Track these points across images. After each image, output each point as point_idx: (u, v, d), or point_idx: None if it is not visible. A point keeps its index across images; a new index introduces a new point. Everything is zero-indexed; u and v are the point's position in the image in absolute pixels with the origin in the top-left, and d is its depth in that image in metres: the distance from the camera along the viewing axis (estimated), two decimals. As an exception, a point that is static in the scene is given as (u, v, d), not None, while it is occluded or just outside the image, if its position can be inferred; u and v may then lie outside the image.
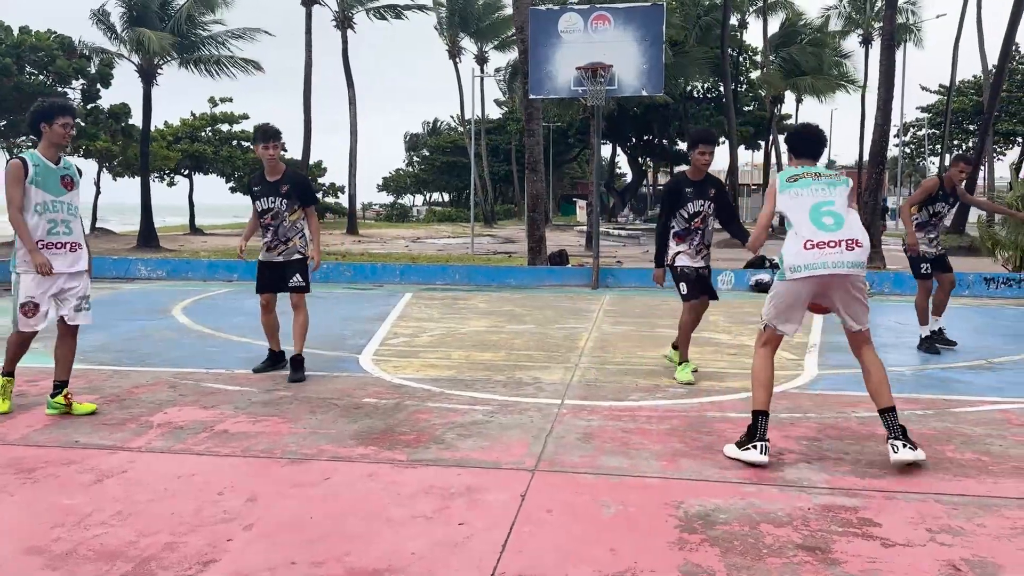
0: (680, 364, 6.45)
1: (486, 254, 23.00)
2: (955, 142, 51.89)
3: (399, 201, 69.96)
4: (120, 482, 4.02)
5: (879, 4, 36.48)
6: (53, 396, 5.23)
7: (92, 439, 4.70)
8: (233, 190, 42.35)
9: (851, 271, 4.27)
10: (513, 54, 39.69)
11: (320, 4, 32.76)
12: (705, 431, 4.92)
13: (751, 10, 43.93)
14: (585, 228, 29.70)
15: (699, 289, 6.45)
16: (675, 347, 6.73)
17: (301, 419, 5.14)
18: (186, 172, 38.77)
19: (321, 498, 3.80)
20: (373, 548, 3.25)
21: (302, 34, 31.25)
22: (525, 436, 4.80)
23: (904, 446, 4.15)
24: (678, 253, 6.42)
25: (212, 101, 40.11)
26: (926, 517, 3.58)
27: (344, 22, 34.36)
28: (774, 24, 43.32)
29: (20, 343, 5.25)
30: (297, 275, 6.46)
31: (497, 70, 51.13)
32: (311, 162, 37.65)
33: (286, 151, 6.70)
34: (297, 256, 6.48)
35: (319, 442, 4.66)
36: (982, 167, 32.82)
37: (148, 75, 25.28)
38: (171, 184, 40.30)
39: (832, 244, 4.25)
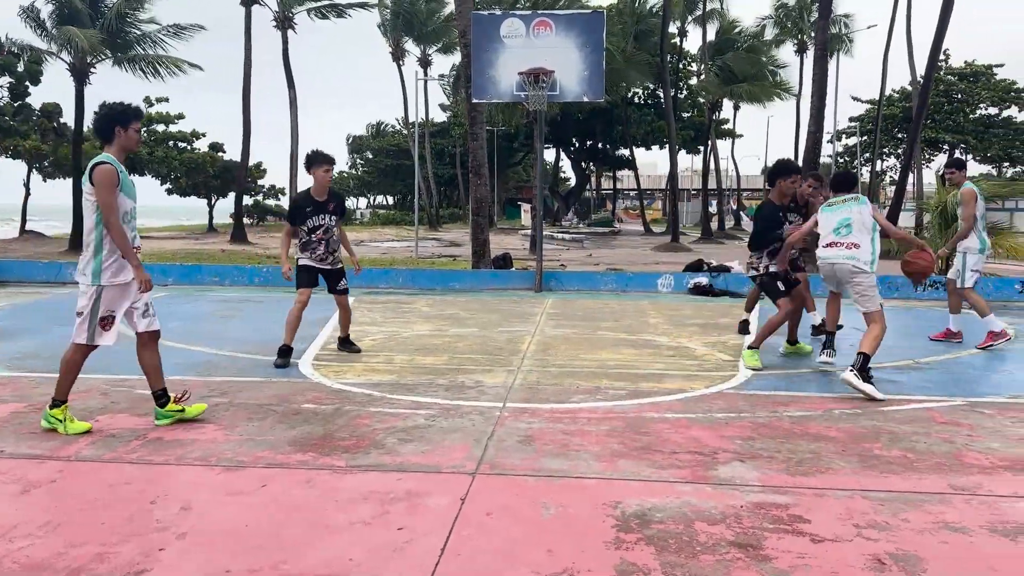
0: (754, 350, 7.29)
1: (430, 257, 22.90)
2: (885, 149, 53.68)
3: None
4: (48, 492, 3.90)
5: (814, 15, 37.49)
6: (162, 406, 5.08)
7: (20, 448, 4.56)
8: (169, 192, 41.37)
9: (845, 262, 6.55)
10: (457, 57, 39.75)
11: (260, 4, 32.25)
12: (643, 432, 5.00)
13: (690, 18, 44.76)
14: (529, 232, 29.85)
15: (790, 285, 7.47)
16: (790, 342, 8.02)
17: (238, 426, 5.06)
18: (120, 173, 37.73)
19: (257, 505, 3.75)
20: (310, 555, 3.22)
21: (242, 33, 30.70)
22: (466, 440, 4.81)
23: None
24: (767, 265, 7.51)
25: (148, 101, 39.14)
26: (853, 513, 3.70)
27: (284, 22, 33.86)
28: (712, 32, 44.23)
29: (78, 362, 4.96)
30: (343, 280, 7.52)
31: (441, 75, 51.04)
32: (251, 163, 37.00)
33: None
34: (340, 264, 7.50)
35: (256, 449, 4.59)
36: (911, 173, 33.99)
37: (80, 74, 24.52)
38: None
39: (839, 244, 6.64)
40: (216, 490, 3.96)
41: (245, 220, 35.60)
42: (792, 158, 42.14)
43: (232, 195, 35.39)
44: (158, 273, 14.40)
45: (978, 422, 5.31)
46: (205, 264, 16.10)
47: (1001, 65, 53.82)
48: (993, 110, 54.22)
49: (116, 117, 4.86)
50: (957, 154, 55.29)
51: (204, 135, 41.70)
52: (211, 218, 42.78)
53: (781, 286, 7.29)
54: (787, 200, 7.60)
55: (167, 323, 9.49)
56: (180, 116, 40.24)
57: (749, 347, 7.32)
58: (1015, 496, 3.95)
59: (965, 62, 54.28)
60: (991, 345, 8.17)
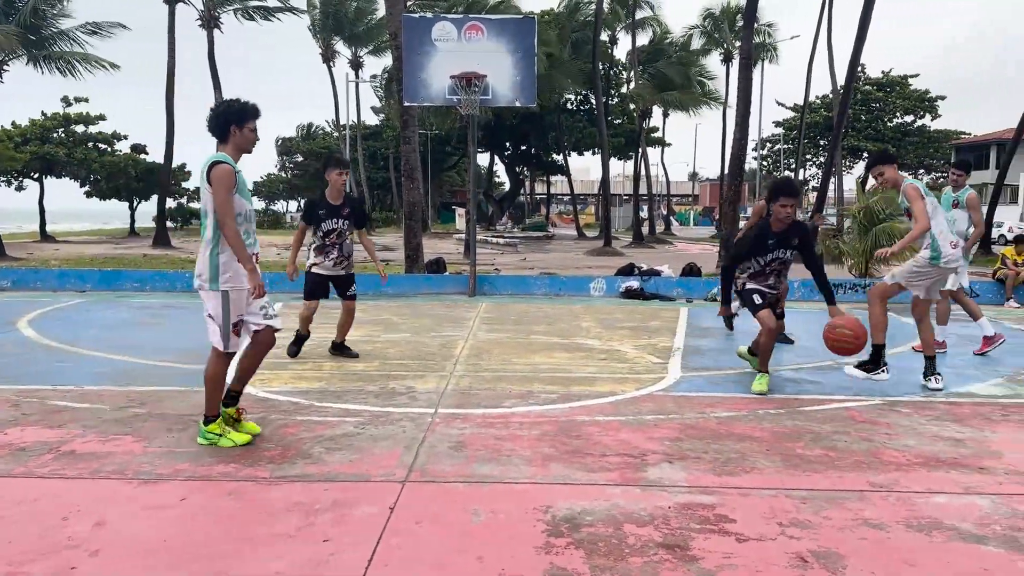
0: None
1: (363, 261, 22.61)
2: (808, 156, 55.42)
3: (271, 207, 67.84)
4: (-52, 512, 3.68)
5: (739, 25, 38.46)
6: (226, 406, 4.86)
7: (-83, 466, 4.30)
8: (89, 195, 39.90)
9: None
10: (389, 60, 39.43)
11: (185, 3, 31.40)
12: (575, 435, 5.01)
13: (620, 27, 45.38)
14: (463, 236, 29.78)
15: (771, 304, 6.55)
16: (752, 352, 6.89)
17: (157, 437, 4.88)
18: (36, 175, 36.21)
19: (176, 520, 3.61)
20: (232, 570, 3.11)
21: (165, 33, 29.82)
22: (396, 447, 4.74)
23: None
24: (746, 282, 6.63)
25: (66, 100, 37.69)
26: (777, 512, 3.77)
27: (210, 22, 33.01)
28: (644, 40, 44.94)
29: (221, 373, 4.77)
30: (353, 286, 7.52)
31: (373, 76, 50.57)
32: (174, 165, 35.96)
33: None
34: (352, 270, 7.53)
35: (176, 461, 4.43)
36: (832, 180, 35.13)
37: (-8, 72, 23.49)
38: (20, 188, 37.55)
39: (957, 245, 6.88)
40: (132, 505, 3.80)
41: (168, 224, 34.60)
42: (720, 165, 42.50)
43: (155, 198, 34.32)
44: (75, 279, 13.87)
45: (895, 421, 5.49)
46: (126, 270, 15.56)
47: (916, 75, 56.24)
48: (909, 118, 56.56)
49: (232, 115, 4.69)
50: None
51: (126, 137, 40.41)
52: (133, 222, 41.44)
53: (757, 299, 6.46)
54: (781, 227, 6.41)
55: (84, 330, 9.17)
56: (101, 117, 38.85)
57: (758, 371, 6.54)
58: (929, 492, 4.09)
59: (882, 72, 56.54)
60: (986, 352, 8.20)
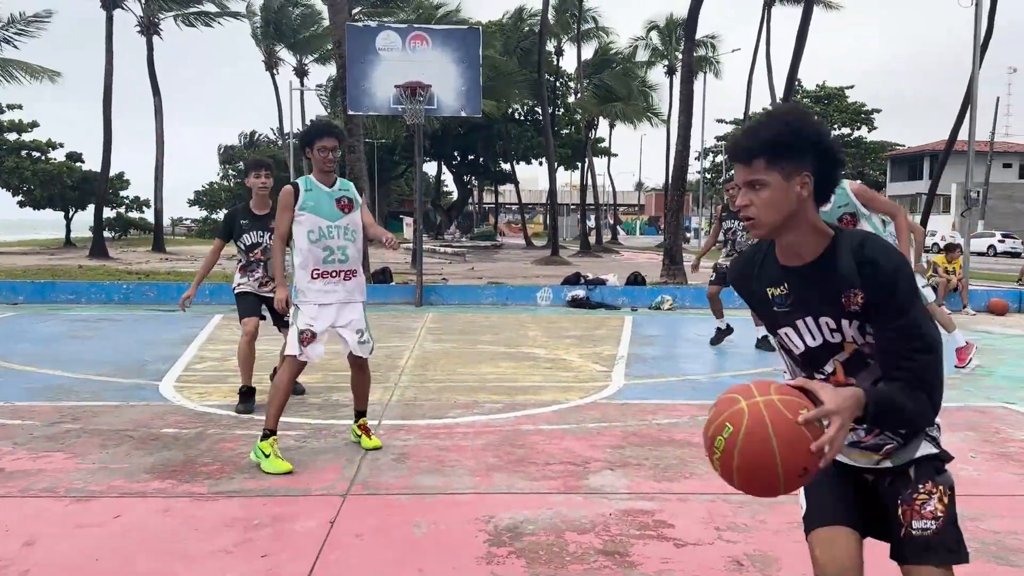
0: None
1: (307, 272, 22.32)
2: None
3: (212, 216, 66.59)
4: None
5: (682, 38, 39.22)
6: (355, 422, 5.04)
7: None
8: (22, 204, 38.66)
9: None
10: (334, 68, 39.11)
11: (123, 8, 30.71)
12: (519, 444, 5.03)
13: (566, 37, 45.84)
14: (411, 245, 29.62)
15: None
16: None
17: (90, 453, 4.74)
18: (-35, 184, 35.01)
19: (109, 537, 3.52)
20: (166, 588, 3.05)
21: (103, 38, 29.11)
22: (339, 460, 4.69)
23: None
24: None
25: (-3, 107, 36.51)
26: (715, 516, 3.84)
27: (149, 28, 32.36)
28: (589, 51, 45.47)
29: (286, 381, 4.69)
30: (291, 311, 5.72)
31: (319, 85, 50.06)
32: (112, 174, 35.07)
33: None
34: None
35: (109, 478, 4.31)
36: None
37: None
38: (-53, 197, 36.25)
39: None
40: (64, 523, 3.69)
41: (106, 234, 33.67)
42: (664, 175, 43.17)
43: (92, 207, 33.40)
44: (6, 291, 13.40)
45: (830, 424, 5.63)
46: (60, 281, 15.09)
47: (851, 87, 57.97)
48: (846, 130, 58.25)
49: (302, 138, 4.90)
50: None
51: (61, 145, 39.27)
52: (68, 232, 40.24)
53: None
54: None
55: (14, 344, 8.87)
56: (34, 124, 37.71)
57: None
58: (861, 493, 4.21)
59: (817, 85, 58.11)
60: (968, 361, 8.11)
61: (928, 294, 8.35)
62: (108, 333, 10.08)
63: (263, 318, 6.24)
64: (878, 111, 57.54)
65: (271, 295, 5.93)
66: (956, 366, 8.14)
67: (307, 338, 4.67)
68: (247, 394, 6.04)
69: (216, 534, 3.57)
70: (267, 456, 4.48)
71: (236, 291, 6.26)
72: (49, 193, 37.82)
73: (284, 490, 4.16)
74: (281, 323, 6.01)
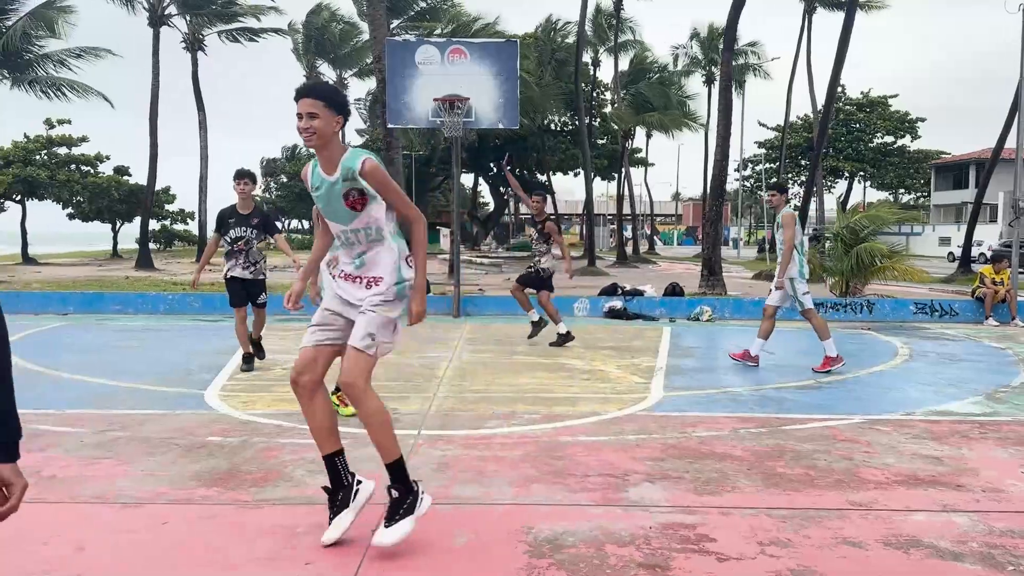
0: None
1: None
2: (789, 176, 55.96)
3: (274, 223, 67.40)
4: (-76, 539, 3.64)
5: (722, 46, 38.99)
6: (334, 393, 5.67)
7: None
8: (71, 217, 39.64)
9: None
10: (373, 82, 39.57)
11: (169, 26, 31.47)
12: (557, 456, 5.02)
13: (603, 49, 45.84)
14: (448, 256, 29.76)
15: None
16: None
17: (137, 461, 4.85)
18: (18, 198, 35.96)
19: (156, 544, 3.59)
20: (212, 594, 3.10)
21: (150, 55, 29.83)
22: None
23: None
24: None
25: (49, 123, 37.52)
26: (757, 531, 3.80)
27: (194, 44, 33.11)
28: (626, 62, 45.38)
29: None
30: (262, 294, 8.20)
31: (358, 99, 50.68)
32: (158, 187, 35.86)
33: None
34: (261, 277, 8.15)
35: (156, 485, 4.40)
36: (813, 199, 35.45)
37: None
38: (1, 210, 37.25)
39: None
40: (112, 529, 3.78)
41: (151, 246, 34.40)
42: (703, 185, 42.86)
43: (138, 220, 34.15)
44: (56, 302, 13.76)
45: (875, 439, 5.54)
46: (108, 292, 15.45)
47: (895, 95, 56.98)
48: (889, 139, 57.24)
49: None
50: (856, 182, 58.20)
51: (108, 158, 40.23)
52: (115, 244, 41.15)
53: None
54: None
55: (65, 354, 9.09)
56: (84, 139, 38.68)
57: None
58: (907, 510, 4.13)
59: (861, 92, 57.22)
60: (828, 371, 8.04)
61: (807, 301, 8.34)
62: (154, 343, 10.29)
63: (246, 304, 8.03)
64: (922, 120, 56.45)
65: (249, 276, 8.01)
66: (814, 368, 8.21)
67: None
68: (248, 358, 8.02)
69: (260, 541, 3.62)
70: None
71: (226, 276, 8.06)
72: (97, 206, 38.73)
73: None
74: (257, 303, 8.13)
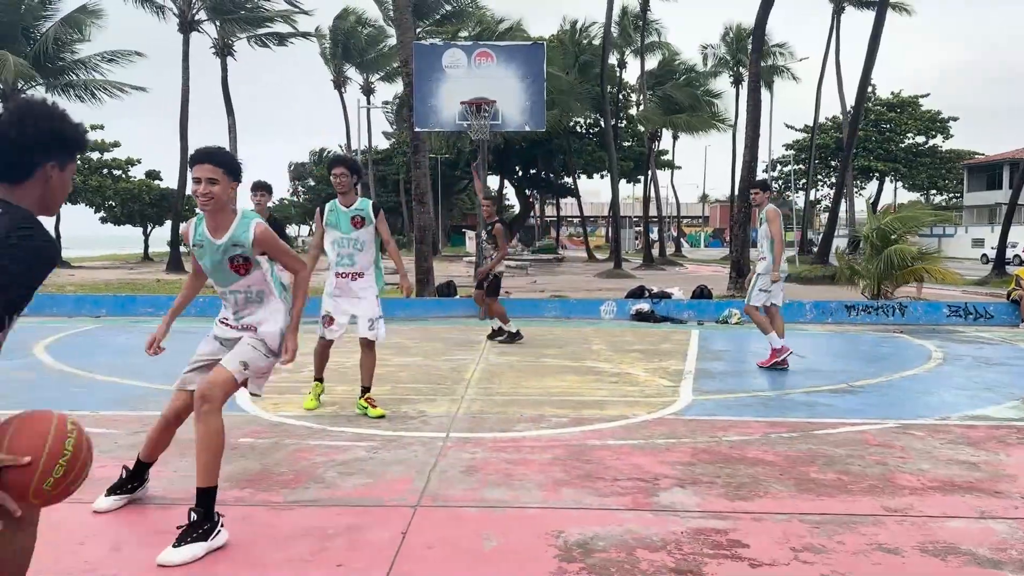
0: None
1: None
2: (819, 177, 55.41)
3: (284, 232, 68.21)
4: (-35, 538, 3.71)
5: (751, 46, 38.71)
6: (361, 397, 6.27)
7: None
8: (104, 221, 40.28)
9: None
10: (399, 85, 39.78)
11: (198, 31, 31.88)
12: (586, 459, 5.01)
13: (629, 50, 45.70)
14: (474, 259, 29.84)
15: None
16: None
17: (170, 462, 4.91)
18: (52, 201, 36.63)
19: (191, 545, 3.63)
20: (245, 595, 3.13)
21: (179, 60, 30.26)
22: (408, 471, 4.75)
23: None
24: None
25: (82, 128, 38.18)
26: (790, 537, 3.75)
27: (223, 49, 33.52)
28: (652, 63, 45.22)
29: (321, 350, 6.53)
30: None
31: (385, 103, 51.04)
32: (188, 191, 36.26)
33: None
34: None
35: (189, 486, 4.41)
36: (843, 200, 35.06)
37: (7, 100, 23.89)
38: (35, 214, 37.86)
39: None
40: (146, 529, 3.83)
41: (182, 249, 34.83)
42: (730, 186, 42.59)
43: (168, 223, 34.62)
44: (90, 304, 13.98)
45: (909, 444, 5.46)
46: (140, 295, 15.69)
47: (926, 95, 56.22)
48: (920, 139, 56.45)
49: (327, 169, 6.41)
50: (888, 182, 57.47)
51: (139, 162, 40.86)
52: (147, 247, 41.77)
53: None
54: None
55: (98, 356, 9.23)
56: (115, 144, 39.33)
57: None
58: (944, 516, 4.06)
59: (892, 92, 56.50)
60: (775, 363, 8.19)
61: (758, 299, 8.41)
62: (185, 345, 10.37)
63: None
64: (955, 119, 55.58)
65: None
66: (759, 364, 8.35)
67: (327, 321, 6.32)
68: None
69: (292, 543, 3.65)
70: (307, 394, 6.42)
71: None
72: (129, 210, 39.35)
73: (358, 500, 4.23)
74: None
